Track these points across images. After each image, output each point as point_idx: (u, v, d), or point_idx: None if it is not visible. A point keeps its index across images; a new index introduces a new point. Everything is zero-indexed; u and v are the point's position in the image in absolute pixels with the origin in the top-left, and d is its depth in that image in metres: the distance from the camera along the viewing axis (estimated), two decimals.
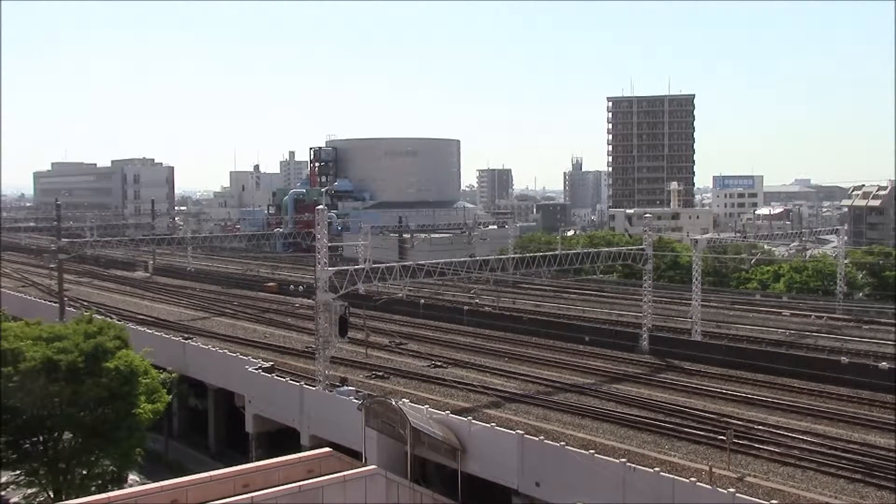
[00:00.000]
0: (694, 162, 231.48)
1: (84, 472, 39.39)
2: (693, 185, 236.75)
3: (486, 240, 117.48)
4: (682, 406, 38.68)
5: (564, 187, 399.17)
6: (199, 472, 36.64)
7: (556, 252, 52.27)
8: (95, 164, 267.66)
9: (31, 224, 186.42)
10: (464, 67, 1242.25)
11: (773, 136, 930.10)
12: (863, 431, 34.88)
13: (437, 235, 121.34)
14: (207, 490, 32.79)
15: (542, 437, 33.17)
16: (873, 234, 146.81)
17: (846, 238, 79.46)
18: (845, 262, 74.04)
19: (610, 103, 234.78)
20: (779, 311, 64.59)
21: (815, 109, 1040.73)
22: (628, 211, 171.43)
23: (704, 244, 60.22)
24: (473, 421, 35.36)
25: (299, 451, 39.38)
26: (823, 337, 52.90)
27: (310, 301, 60.42)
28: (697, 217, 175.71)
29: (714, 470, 29.44)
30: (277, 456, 37.80)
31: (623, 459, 30.60)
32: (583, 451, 31.51)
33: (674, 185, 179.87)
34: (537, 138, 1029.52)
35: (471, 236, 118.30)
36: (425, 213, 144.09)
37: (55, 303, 67.65)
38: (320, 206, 44.59)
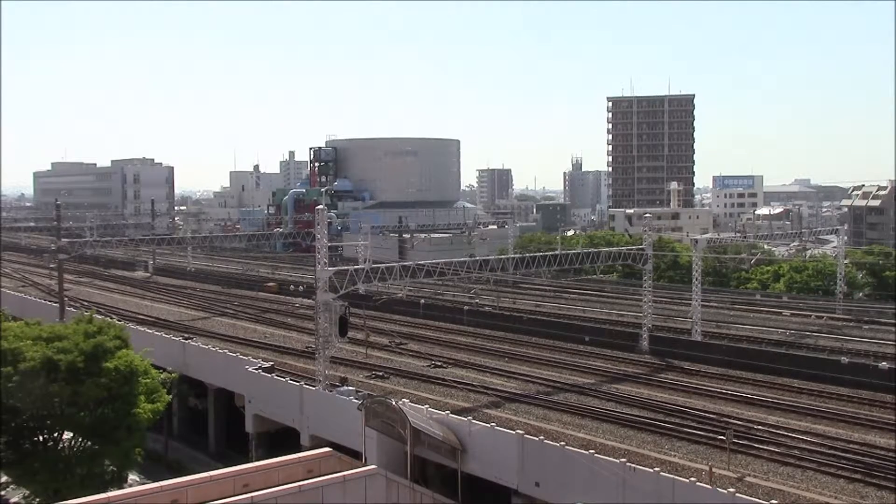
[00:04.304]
0: (694, 162, 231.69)
1: (84, 472, 39.36)
2: (693, 185, 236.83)
3: (485, 240, 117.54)
4: (682, 406, 38.68)
5: (564, 187, 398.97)
6: (199, 472, 36.63)
7: (556, 252, 52.17)
8: (95, 164, 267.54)
9: (31, 224, 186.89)
10: (463, 67, 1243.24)
11: (773, 136, 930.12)
12: (863, 431, 34.88)
13: (436, 235, 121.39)
14: (207, 490, 32.80)
15: (542, 437, 33.16)
16: (873, 234, 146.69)
17: (846, 238, 79.42)
18: (845, 262, 74.00)
19: (610, 103, 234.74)
20: (779, 311, 64.61)
21: (815, 109, 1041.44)
22: (628, 211, 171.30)
23: (704, 244, 60.22)
24: (473, 421, 35.34)
25: (299, 451, 39.37)
26: (823, 337, 52.91)
27: (310, 301, 60.40)
28: (697, 217, 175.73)
29: (714, 470, 29.43)
30: (277, 456, 37.80)
31: (623, 459, 30.58)
32: (583, 451, 31.50)
33: (674, 185, 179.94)
34: (537, 138, 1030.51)
35: (471, 236, 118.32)
36: (425, 213, 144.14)
37: (55, 303, 67.67)
38: (320, 206, 44.56)
